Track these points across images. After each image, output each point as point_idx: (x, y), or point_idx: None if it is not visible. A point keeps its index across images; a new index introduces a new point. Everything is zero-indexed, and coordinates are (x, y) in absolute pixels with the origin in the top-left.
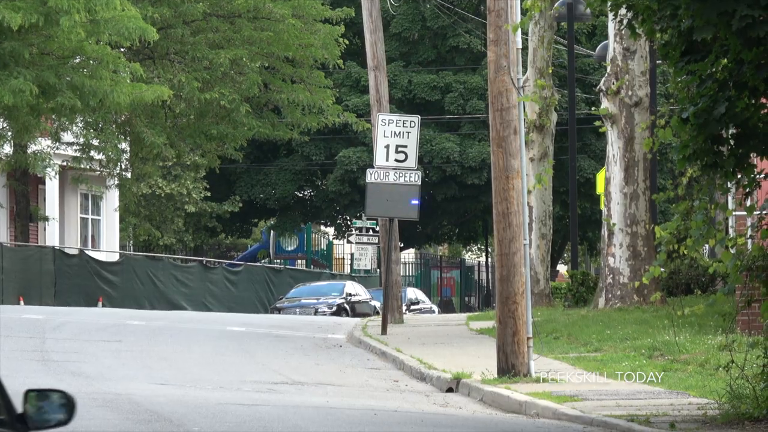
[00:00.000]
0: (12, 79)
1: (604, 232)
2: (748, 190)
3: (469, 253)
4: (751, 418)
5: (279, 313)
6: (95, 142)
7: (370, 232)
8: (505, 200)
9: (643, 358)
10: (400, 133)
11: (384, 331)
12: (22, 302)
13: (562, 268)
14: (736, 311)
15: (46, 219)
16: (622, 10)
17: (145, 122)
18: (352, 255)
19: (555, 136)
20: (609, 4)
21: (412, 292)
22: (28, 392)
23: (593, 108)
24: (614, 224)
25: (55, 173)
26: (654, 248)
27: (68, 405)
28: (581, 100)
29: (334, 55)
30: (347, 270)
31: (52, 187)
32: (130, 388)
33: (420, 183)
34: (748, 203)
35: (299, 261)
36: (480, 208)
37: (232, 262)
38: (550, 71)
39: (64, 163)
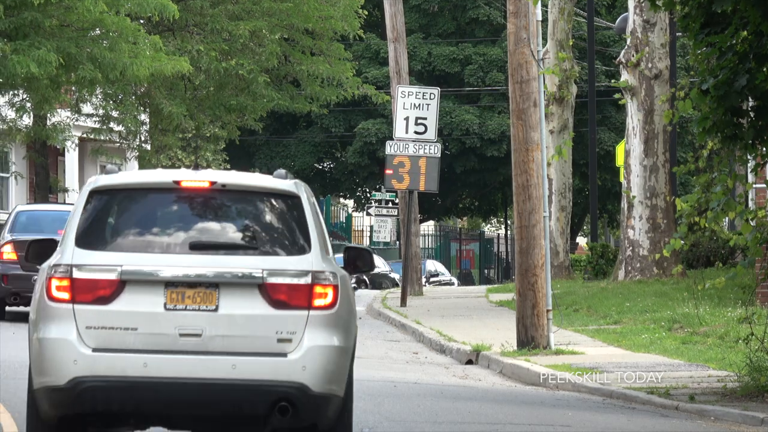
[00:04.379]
0: (34, 49)
1: (624, 204)
2: (767, 162)
3: (489, 225)
4: None
5: None
6: (115, 114)
7: (390, 205)
8: (525, 172)
9: (663, 331)
10: (419, 105)
11: (403, 303)
12: None
13: (581, 241)
14: (756, 284)
15: (65, 191)
16: None
17: (164, 94)
18: (371, 227)
19: (575, 109)
20: None
21: (432, 265)
22: None
23: (613, 80)
24: (634, 197)
25: (75, 145)
26: (674, 221)
27: None
28: (601, 72)
29: (354, 27)
30: (366, 242)
31: (71, 158)
32: None
33: (440, 155)
34: None
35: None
36: (499, 181)
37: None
38: (570, 43)
39: (84, 135)
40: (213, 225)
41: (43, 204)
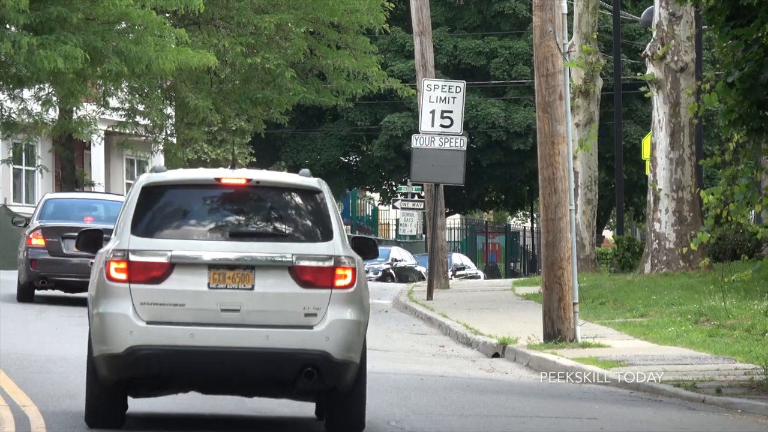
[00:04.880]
0: (60, 44)
1: (650, 197)
2: None
3: (515, 218)
4: None
5: None
6: (140, 107)
7: (416, 198)
8: (551, 165)
9: (689, 324)
10: (445, 98)
11: (430, 296)
12: None
13: (607, 234)
14: None
15: (91, 184)
16: None
17: (190, 87)
18: (397, 221)
19: (600, 102)
20: None
21: (458, 258)
22: None
23: (639, 73)
24: (660, 189)
25: (101, 138)
26: (700, 213)
27: None
28: (627, 65)
29: (380, 21)
30: (393, 236)
31: (97, 152)
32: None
33: (465, 148)
34: None
35: (345, 226)
36: (525, 174)
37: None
38: (596, 36)
39: (109, 129)
40: (249, 216)
41: (71, 193)
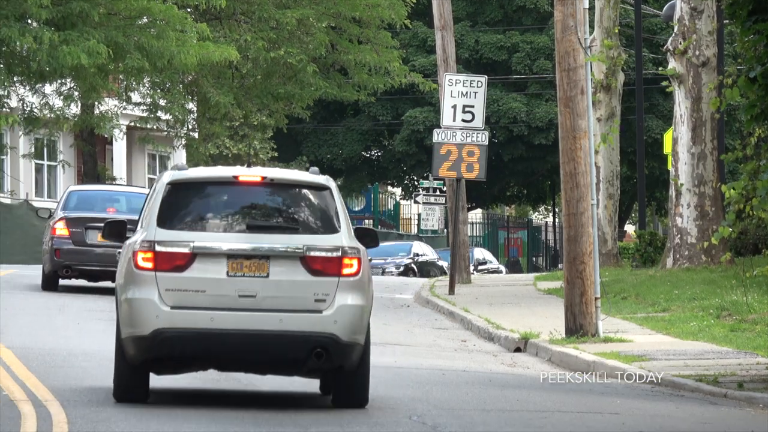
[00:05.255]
0: (83, 40)
1: (672, 192)
2: None
3: (537, 213)
4: None
5: None
6: (162, 102)
7: (437, 193)
8: (573, 160)
9: (711, 318)
10: (467, 93)
11: (451, 291)
12: None
13: (629, 229)
14: None
15: (113, 179)
16: None
17: (212, 82)
18: (419, 215)
19: (622, 96)
20: None
21: (480, 253)
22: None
23: (660, 68)
24: (682, 184)
25: (122, 133)
26: (722, 208)
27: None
28: (648, 60)
29: (401, 15)
30: (414, 230)
31: (119, 147)
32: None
33: (487, 143)
34: None
35: (366, 221)
36: (547, 168)
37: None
38: (617, 31)
39: (131, 124)
40: (263, 210)
41: (93, 185)
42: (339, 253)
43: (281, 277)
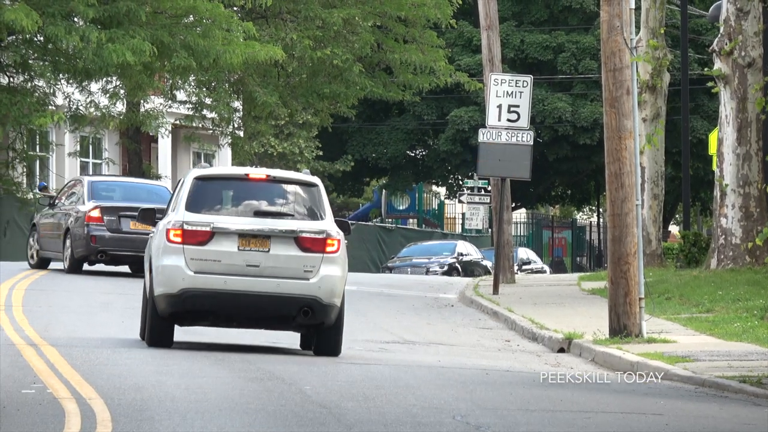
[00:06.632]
0: (128, 38)
1: (717, 192)
2: None
3: (581, 213)
4: None
5: (390, 272)
6: (208, 101)
7: (482, 192)
8: (618, 160)
9: (755, 319)
10: (512, 92)
11: (495, 290)
12: None
13: (674, 229)
14: None
15: (158, 177)
16: None
17: (257, 81)
18: (463, 215)
19: (667, 97)
20: None
21: (524, 252)
22: None
23: (706, 69)
24: (726, 185)
25: (168, 132)
26: (766, 209)
27: None
28: (694, 60)
29: (447, 15)
30: (458, 230)
31: (164, 145)
32: (241, 347)
33: (532, 143)
34: None
35: (411, 220)
36: (592, 169)
37: (344, 220)
38: (663, 31)
39: (177, 122)
40: (267, 200)
41: (109, 176)
42: (324, 236)
43: (279, 252)
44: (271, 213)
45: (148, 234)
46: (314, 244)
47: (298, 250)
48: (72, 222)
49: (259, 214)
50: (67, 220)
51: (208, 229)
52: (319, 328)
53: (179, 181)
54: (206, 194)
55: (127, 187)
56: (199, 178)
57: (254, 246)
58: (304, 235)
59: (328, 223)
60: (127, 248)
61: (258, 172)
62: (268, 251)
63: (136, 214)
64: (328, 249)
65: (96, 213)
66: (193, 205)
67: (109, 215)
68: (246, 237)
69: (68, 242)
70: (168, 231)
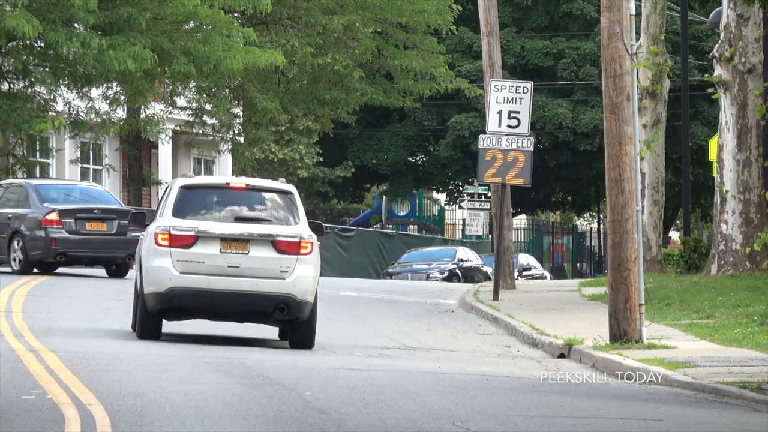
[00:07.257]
0: (129, 45)
1: (717, 198)
2: None
3: (581, 219)
4: None
5: (391, 278)
6: (208, 107)
7: (482, 198)
8: (618, 166)
9: (755, 325)
10: (512, 99)
11: (496, 296)
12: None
13: (674, 235)
14: None
15: (158, 183)
16: None
17: (258, 87)
18: (463, 221)
19: (667, 103)
20: None
21: (524, 258)
22: None
23: (706, 75)
24: (727, 191)
25: (168, 138)
26: (766, 215)
27: None
28: (694, 66)
29: (447, 21)
30: (459, 236)
31: (164, 151)
32: (241, 352)
33: (532, 149)
34: None
35: (411, 226)
36: (592, 175)
37: (344, 227)
38: (663, 38)
39: (177, 128)
40: (246, 207)
41: (53, 180)
42: (298, 239)
43: (257, 254)
44: (251, 218)
45: (104, 234)
46: (289, 247)
47: (274, 252)
48: (22, 225)
49: (240, 219)
50: (13, 223)
51: (192, 233)
52: (294, 322)
53: (166, 188)
54: (191, 201)
55: (69, 190)
56: (184, 187)
57: (235, 249)
58: (280, 238)
59: (302, 228)
60: (86, 249)
61: (238, 181)
62: (248, 253)
63: (91, 215)
64: (302, 251)
65: (54, 216)
66: (179, 211)
67: (66, 217)
68: (227, 240)
69: (16, 245)
70: (156, 235)
